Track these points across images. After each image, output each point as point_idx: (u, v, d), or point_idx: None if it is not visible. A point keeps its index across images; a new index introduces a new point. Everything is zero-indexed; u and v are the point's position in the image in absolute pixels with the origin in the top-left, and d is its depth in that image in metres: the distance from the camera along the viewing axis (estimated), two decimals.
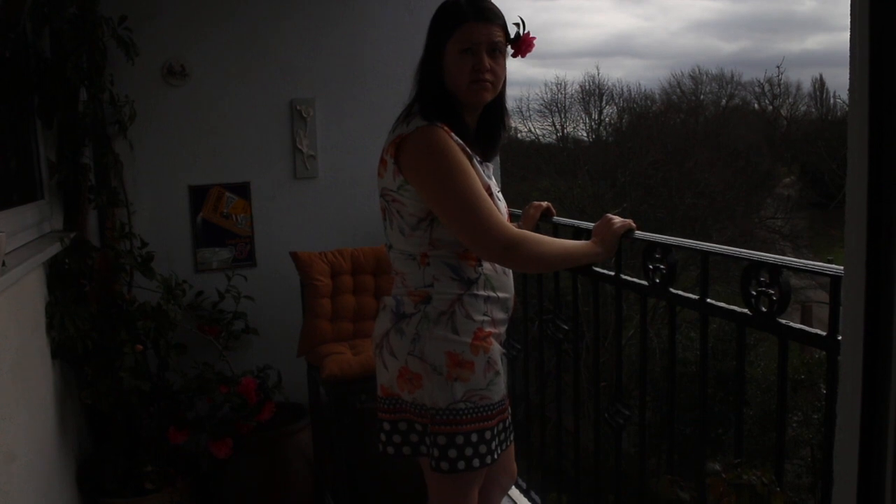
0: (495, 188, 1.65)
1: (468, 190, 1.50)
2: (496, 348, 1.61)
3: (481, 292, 1.59)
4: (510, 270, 1.68)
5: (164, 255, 2.68)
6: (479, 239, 1.51)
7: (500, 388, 1.61)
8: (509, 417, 1.68)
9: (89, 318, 2.27)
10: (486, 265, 1.60)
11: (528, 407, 2.52)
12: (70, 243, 2.29)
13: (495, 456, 1.61)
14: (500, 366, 1.62)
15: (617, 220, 1.72)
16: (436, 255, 1.57)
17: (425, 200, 1.53)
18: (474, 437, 1.56)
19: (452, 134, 1.52)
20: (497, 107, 1.67)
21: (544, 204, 2.01)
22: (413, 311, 1.57)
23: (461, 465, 1.56)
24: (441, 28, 1.59)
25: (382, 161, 1.59)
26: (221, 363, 2.68)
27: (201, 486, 2.60)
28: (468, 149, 1.55)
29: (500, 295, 1.63)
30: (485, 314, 1.59)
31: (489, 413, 1.58)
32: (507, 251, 1.51)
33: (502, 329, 1.67)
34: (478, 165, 1.58)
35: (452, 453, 1.56)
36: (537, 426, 2.41)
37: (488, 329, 1.59)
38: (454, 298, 1.56)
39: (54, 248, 2.16)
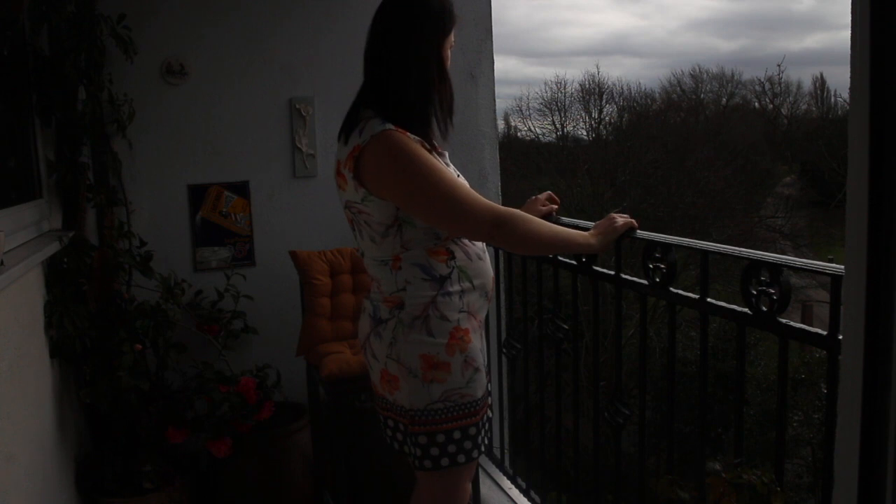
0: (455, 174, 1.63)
1: (440, 180, 1.49)
2: (474, 345, 1.59)
3: (455, 287, 1.57)
4: (486, 253, 1.66)
5: (163, 255, 2.68)
6: (465, 222, 1.50)
7: (483, 384, 1.61)
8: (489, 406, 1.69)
9: (88, 318, 2.27)
10: (460, 256, 1.58)
11: (528, 406, 2.52)
12: (69, 242, 2.29)
13: (482, 448, 1.63)
14: (481, 361, 1.61)
15: (620, 218, 1.72)
16: (407, 256, 1.56)
17: (400, 205, 1.51)
18: (457, 435, 1.57)
19: (408, 133, 1.50)
20: None
21: (554, 208, 1.99)
22: (388, 316, 1.58)
23: (445, 461, 1.58)
24: (439, 25, 1.57)
25: (340, 175, 1.58)
26: (220, 362, 2.67)
27: (200, 485, 2.60)
28: (426, 143, 1.54)
29: (477, 282, 1.61)
30: (461, 310, 1.57)
31: (472, 410, 1.59)
32: (497, 228, 1.50)
33: (483, 315, 1.66)
34: (439, 159, 1.57)
35: (434, 451, 1.57)
36: (537, 425, 2.41)
37: (465, 325, 1.58)
38: (427, 302, 1.55)
39: (53, 247, 2.15)
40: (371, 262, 1.62)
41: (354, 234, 1.64)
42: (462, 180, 1.63)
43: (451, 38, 1.60)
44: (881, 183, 0.77)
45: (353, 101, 1.61)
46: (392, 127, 1.49)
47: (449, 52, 1.61)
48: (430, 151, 1.53)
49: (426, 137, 1.55)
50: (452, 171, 1.62)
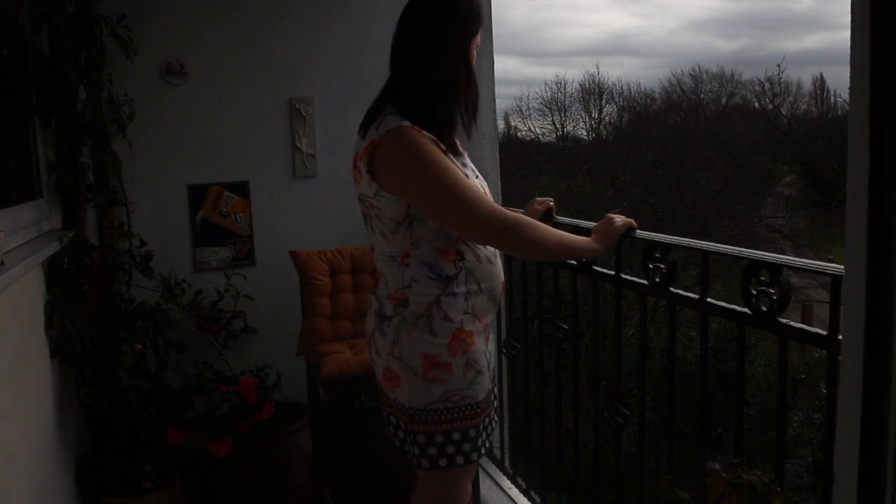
0: (472, 174, 1.64)
1: (451, 180, 1.49)
2: (478, 348, 1.59)
3: (461, 289, 1.56)
4: (497, 257, 1.66)
5: (163, 255, 2.68)
6: (473, 225, 1.50)
7: (485, 386, 1.61)
8: (494, 409, 1.68)
9: (88, 318, 2.27)
10: (469, 258, 1.58)
11: (528, 406, 2.52)
12: (69, 242, 2.29)
13: (482, 451, 1.63)
14: (484, 363, 1.60)
15: (619, 219, 1.72)
16: (416, 253, 1.56)
17: (410, 202, 1.52)
18: (456, 436, 1.57)
19: (424, 132, 1.51)
20: None
21: (550, 202, 2.00)
22: (392, 313, 1.58)
23: (443, 462, 1.58)
24: (466, 26, 1.57)
25: (356, 168, 1.58)
26: (220, 362, 2.68)
27: (200, 485, 2.60)
28: (440, 144, 1.53)
29: (485, 285, 1.60)
30: (465, 312, 1.57)
31: (473, 412, 1.58)
32: (503, 233, 1.50)
33: (489, 318, 1.65)
34: (455, 160, 1.57)
35: (432, 451, 1.58)
36: (537, 425, 2.41)
37: (469, 327, 1.57)
38: (431, 301, 1.54)
39: (53, 247, 2.15)
40: (380, 256, 1.62)
41: (367, 227, 1.65)
42: (479, 181, 1.64)
43: (478, 39, 1.61)
44: (881, 183, 0.77)
45: (377, 97, 1.62)
46: (408, 123, 1.49)
47: (475, 53, 1.61)
48: (444, 152, 1.53)
49: (444, 137, 1.55)
50: (469, 171, 1.62)
